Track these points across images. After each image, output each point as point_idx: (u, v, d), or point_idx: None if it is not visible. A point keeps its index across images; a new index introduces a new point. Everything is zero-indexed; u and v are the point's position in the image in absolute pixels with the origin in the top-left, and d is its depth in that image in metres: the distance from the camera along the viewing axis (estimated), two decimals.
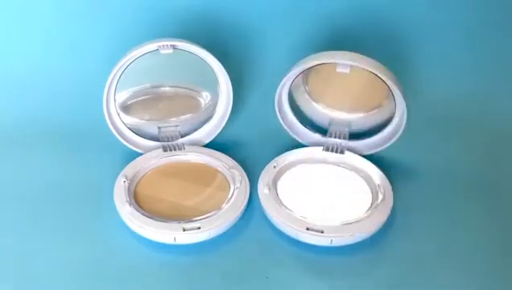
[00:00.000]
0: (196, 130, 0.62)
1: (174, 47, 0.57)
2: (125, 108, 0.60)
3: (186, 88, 0.63)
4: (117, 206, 0.54)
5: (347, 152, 0.59)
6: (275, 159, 0.58)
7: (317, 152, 0.60)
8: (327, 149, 0.60)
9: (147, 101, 0.62)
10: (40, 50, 0.67)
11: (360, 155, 0.59)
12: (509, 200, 0.57)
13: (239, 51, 0.69)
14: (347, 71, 0.56)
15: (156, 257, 0.52)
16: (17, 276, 0.50)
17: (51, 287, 0.50)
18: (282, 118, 0.60)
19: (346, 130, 0.60)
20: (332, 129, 0.61)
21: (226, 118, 0.61)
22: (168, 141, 0.61)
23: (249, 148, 0.62)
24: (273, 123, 0.60)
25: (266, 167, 0.58)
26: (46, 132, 0.63)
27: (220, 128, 0.61)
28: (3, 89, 0.66)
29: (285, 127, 0.60)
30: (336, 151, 0.59)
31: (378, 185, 0.56)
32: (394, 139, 0.58)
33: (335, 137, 0.60)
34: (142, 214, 0.53)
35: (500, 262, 0.52)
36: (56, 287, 0.50)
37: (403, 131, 0.57)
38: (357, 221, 0.53)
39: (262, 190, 0.55)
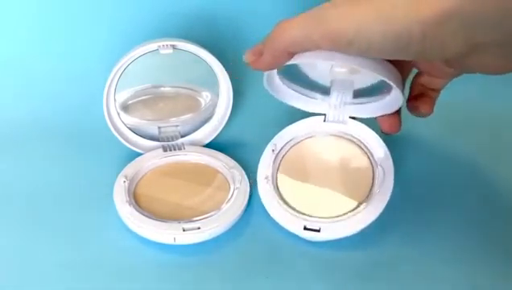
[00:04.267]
0: (196, 130, 0.62)
1: (174, 47, 0.57)
2: (126, 108, 0.60)
3: (186, 88, 0.63)
4: (116, 206, 0.54)
5: (350, 121, 0.56)
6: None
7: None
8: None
9: (147, 101, 0.62)
10: (40, 50, 0.67)
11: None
12: (511, 198, 0.57)
13: (239, 51, 0.69)
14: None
15: (156, 257, 0.52)
16: (17, 276, 0.50)
17: (50, 287, 0.49)
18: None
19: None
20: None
21: (226, 118, 0.61)
22: (168, 141, 0.61)
23: (249, 148, 0.62)
24: (273, 123, 0.60)
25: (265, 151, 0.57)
26: (45, 132, 0.63)
27: (220, 128, 0.61)
28: (3, 89, 0.66)
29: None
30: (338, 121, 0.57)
31: (379, 162, 0.55)
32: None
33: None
34: (142, 214, 0.53)
35: (502, 259, 0.52)
36: (56, 287, 0.49)
37: None
38: (355, 215, 0.52)
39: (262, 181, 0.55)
